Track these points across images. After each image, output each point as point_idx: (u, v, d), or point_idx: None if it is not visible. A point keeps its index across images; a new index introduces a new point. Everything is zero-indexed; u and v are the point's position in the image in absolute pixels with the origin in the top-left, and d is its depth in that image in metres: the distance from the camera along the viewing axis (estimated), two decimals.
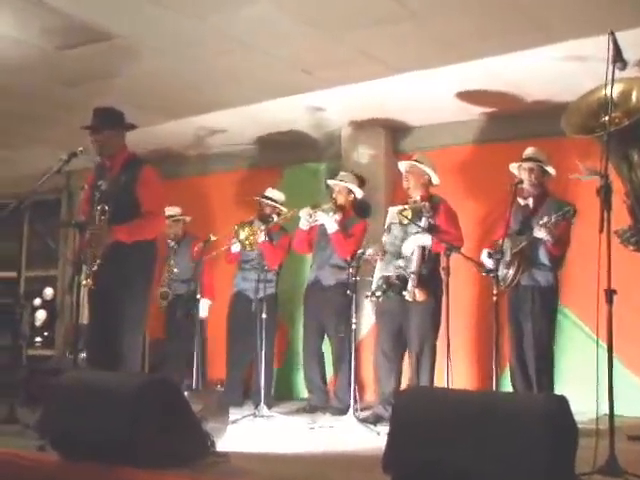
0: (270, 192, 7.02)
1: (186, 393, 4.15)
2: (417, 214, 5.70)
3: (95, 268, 4.82)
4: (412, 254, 5.63)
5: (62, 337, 9.12)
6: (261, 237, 6.57)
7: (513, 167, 5.76)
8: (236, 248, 6.84)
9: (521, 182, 5.55)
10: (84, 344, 5.43)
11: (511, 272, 5.50)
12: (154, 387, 3.67)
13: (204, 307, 7.34)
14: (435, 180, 5.98)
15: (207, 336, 7.45)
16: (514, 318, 5.65)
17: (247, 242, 6.50)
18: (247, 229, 6.52)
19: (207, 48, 5.71)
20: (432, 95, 6.61)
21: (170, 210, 7.58)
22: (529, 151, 5.77)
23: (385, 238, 5.86)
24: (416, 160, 5.99)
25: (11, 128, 7.88)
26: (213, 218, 8.33)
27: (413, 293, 5.55)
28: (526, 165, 5.68)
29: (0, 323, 6.82)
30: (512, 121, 6.88)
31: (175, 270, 7.45)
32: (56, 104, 7.01)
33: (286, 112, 7.18)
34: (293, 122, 7.54)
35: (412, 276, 5.57)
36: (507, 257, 5.49)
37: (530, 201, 5.70)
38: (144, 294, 5.14)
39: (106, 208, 4.91)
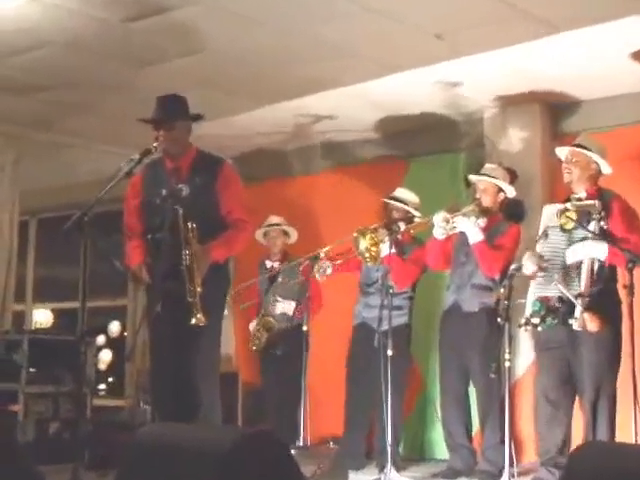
0: (400, 192, 7.01)
1: (294, 452, 4.16)
2: (584, 215, 5.59)
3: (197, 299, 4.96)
4: (579, 267, 5.50)
5: (134, 383, 9.30)
6: (386, 249, 6.43)
7: None
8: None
9: None
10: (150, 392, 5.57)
11: None
12: (252, 444, 3.66)
13: None
14: (606, 169, 5.84)
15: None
16: None
17: (368, 254, 6.43)
18: (369, 236, 6.44)
19: (310, 14, 5.76)
20: (605, 59, 6.50)
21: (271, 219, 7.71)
22: None
23: (540, 247, 5.74)
24: (579, 144, 5.87)
25: (68, 122, 8.14)
26: (321, 228, 8.39)
27: (582, 320, 5.42)
28: None
29: (60, 365, 6.97)
30: None
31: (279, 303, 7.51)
32: (123, 91, 7.20)
33: (412, 90, 7.20)
34: (421, 102, 7.55)
35: (580, 298, 5.43)
36: None
37: None
38: (220, 326, 5.30)
39: (194, 226, 5.03)
